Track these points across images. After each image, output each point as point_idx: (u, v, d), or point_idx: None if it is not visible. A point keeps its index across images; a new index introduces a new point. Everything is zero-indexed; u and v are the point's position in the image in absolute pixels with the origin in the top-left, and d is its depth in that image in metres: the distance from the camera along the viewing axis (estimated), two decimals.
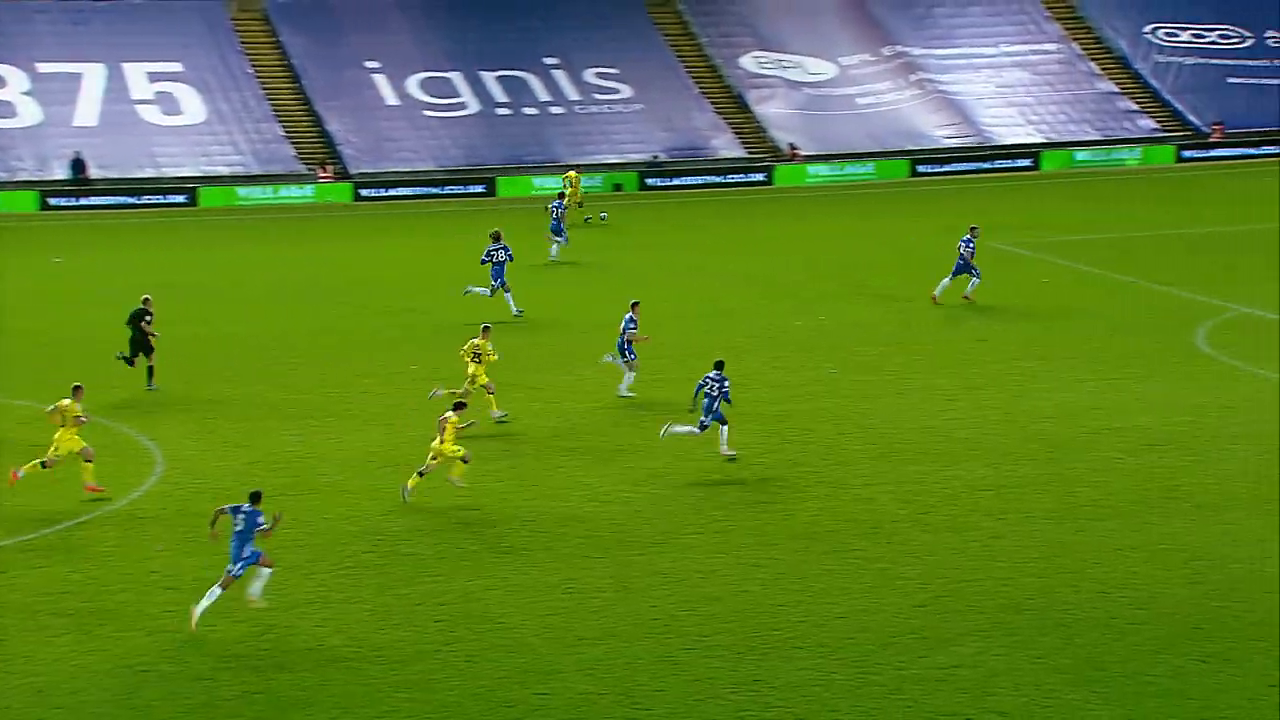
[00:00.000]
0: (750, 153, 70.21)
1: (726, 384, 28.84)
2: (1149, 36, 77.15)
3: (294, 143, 68.07)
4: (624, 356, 33.15)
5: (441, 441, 27.03)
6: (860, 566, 24.22)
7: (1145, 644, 21.20)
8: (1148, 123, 73.36)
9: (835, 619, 22.32)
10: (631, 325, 32.93)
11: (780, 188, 67.40)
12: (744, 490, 27.86)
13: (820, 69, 75.10)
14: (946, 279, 41.73)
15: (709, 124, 71.21)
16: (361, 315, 42.69)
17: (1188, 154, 70.91)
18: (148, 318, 34.43)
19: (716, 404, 28.81)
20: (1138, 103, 74.40)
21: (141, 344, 34.42)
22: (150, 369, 34.53)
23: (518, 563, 24.55)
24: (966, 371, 35.43)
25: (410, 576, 24.02)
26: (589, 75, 72.78)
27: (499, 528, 26.14)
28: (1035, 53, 76.99)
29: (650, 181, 67.69)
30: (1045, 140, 72.04)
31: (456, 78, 71.78)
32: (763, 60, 75.02)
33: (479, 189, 66.58)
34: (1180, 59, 76.25)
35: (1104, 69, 76.20)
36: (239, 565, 22.21)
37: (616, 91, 72.25)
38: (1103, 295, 43.16)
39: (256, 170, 66.50)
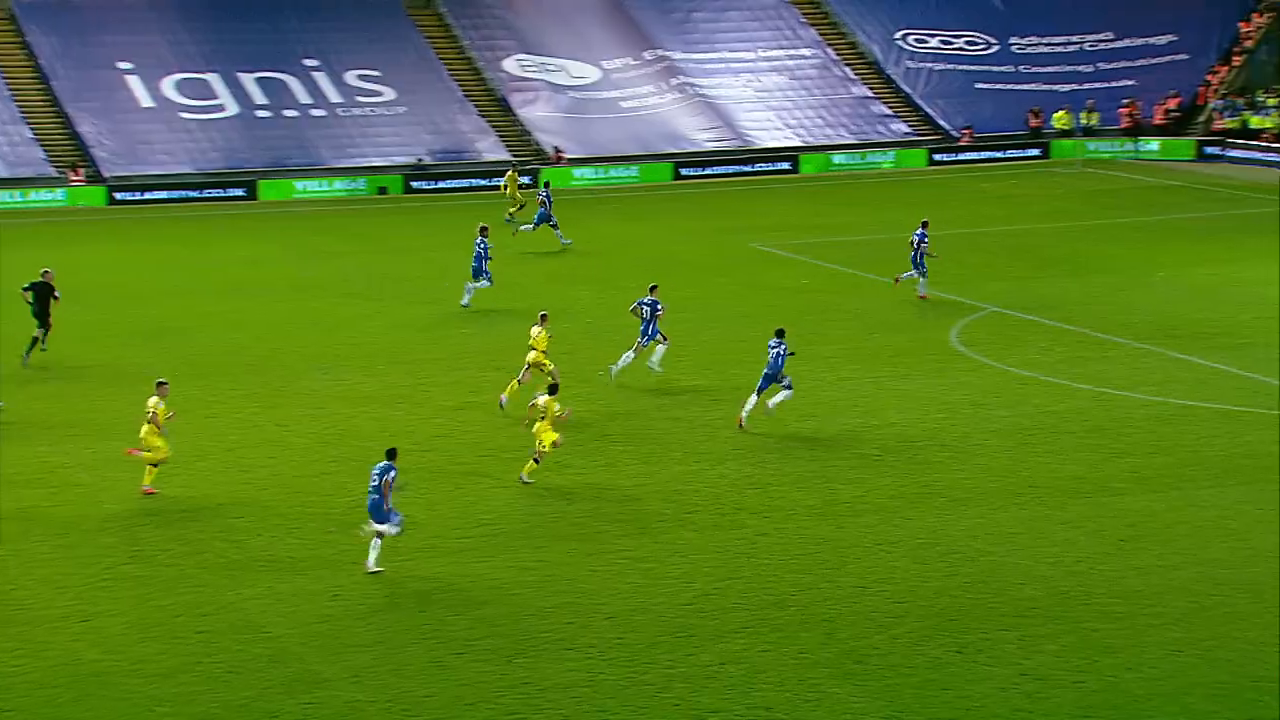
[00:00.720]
0: (515, 156, 70.13)
1: (660, 306, 34.25)
2: (900, 42, 78.99)
3: (44, 146, 65.98)
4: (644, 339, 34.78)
5: (538, 425, 27.70)
6: (628, 566, 24.36)
7: (904, 636, 21.71)
8: (901, 127, 75.10)
9: (604, 620, 22.41)
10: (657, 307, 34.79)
11: None
12: (512, 494, 27.83)
13: (583, 72, 75.35)
14: (911, 271, 42.11)
15: (473, 127, 70.95)
16: (108, 321, 41.56)
17: (939, 157, 72.79)
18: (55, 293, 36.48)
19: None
20: (891, 107, 76.11)
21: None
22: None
23: (282, 571, 24.16)
24: (730, 371, 35.86)
25: (170, 587, 23.47)
26: (350, 77, 71.94)
27: (263, 537, 25.69)
28: (792, 58, 78.26)
29: (415, 185, 67.18)
30: (803, 144, 73.26)
31: (214, 79, 70.31)
32: (525, 63, 75.01)
33: (239, 192, 65.31)
34: (930, 65, 78.23)
35: (859, 74, 77.79)
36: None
37: (378, 94, 71.55)
38: (861, 295, 44.07)
39: (4, 174, 64.31)
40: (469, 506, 27.07)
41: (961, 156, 73.00)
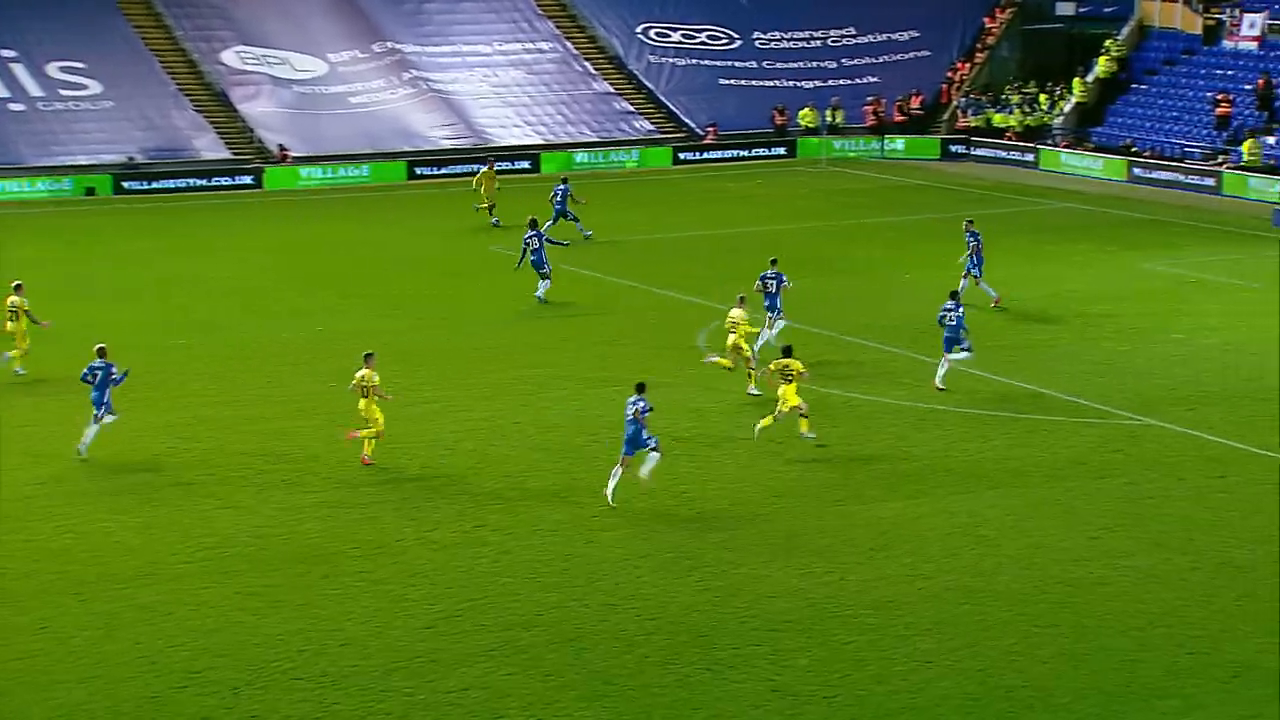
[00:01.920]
0: (236, 154, 68.86)
1: (785, 280, 37.33)
2: (641, 37, 79.74)
3: None
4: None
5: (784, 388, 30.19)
6: (364, 589, 24.11)
7: (654, 655, 21.88)
8: (644, 124, 75.83)
9: (339, 646, 22.14)
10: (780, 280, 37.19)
11: (271, 191, 66.38)
12: (237, 514, 27.32)
13: (308, 65, 74.37)
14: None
15: (190, 123, 69.43)
16: None
17: (684, 156, 73.65)
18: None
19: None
20: (634, 104, 76.78)
21: None
22: None
23: None
24: (472, 381, 35.78)
25: None
26: (52, 69, 69.81)
27: None
28: (530, 52, 78.42)
29: (127, 185, 65.50)
30: (544, 142, 73.47)
31: None
32: (246, 56, 73.72)
33: None
34: (673, 60, 79.14)
35: (599, 69, 78.30)
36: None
37: (84, 87, 69.57)
38: (606, 300, 44.33)
39: None
40: (188, 529, 26.49)
41: (707, 155, 73.99)
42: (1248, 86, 66.89)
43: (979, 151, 72.52)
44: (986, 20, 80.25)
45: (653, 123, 76.02)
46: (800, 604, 23.48)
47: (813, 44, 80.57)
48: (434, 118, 73.33)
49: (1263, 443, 30.64)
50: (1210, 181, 62.53)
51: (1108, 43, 73.86)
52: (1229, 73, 68.83)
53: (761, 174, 69.62)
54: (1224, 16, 71.52)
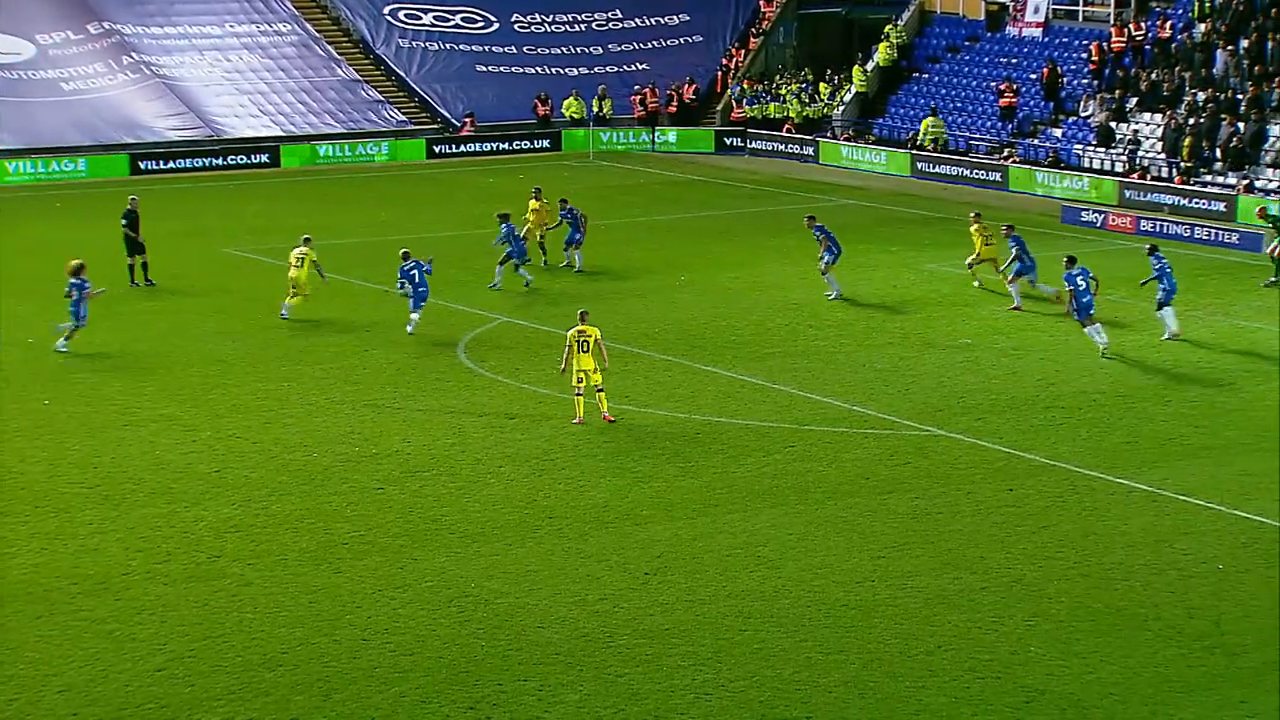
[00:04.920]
0: None
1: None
2: (390, 19, 79.37)
3: None
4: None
5: None
6: (85, 629, 23.63)
7: (411, 694, 21.79)
8: (396, 114, 75.46)
9: (55, 694, 21.67)
10: None
11: None
12: None
13: (14, 48, 72.60)
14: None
15: None
16: None
17: (440, 148, 73.43)
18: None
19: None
20: (383, 92, 76.39)
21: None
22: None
23: None
24: (208, 398, 35.27)
25: None
26: None
27: None
28: (267, 34, 77.58)
29: None
30: (284, 133, 72.71)
31: None
32: None
33: None
34: (425, 44, 78.90)
35: (345, 54, 77.77)
36: None
37: None
38: (355, 306, 43.99)
39: None
40: None
41: (465, 148, 73.88)
42: (1033, 75, 68.89)
43: (756, 144, 73.59)
44: (762, 4, 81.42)
45: (405, 113, 75.71)
46: (570, 634, 23.57)
47: (577, 28, 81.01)
48: (159, 107, 72.11)
49: (1052, 453, 31.57)
50: (997, 176, 64.25)
51: (888, 29, 75.51)
52: (1014, 60, 70.83)
53: (524, 168, 69.71)
54: (1008, 2, 73.61)
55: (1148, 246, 41.58)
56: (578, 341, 33.12)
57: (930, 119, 69.27)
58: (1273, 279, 46.12)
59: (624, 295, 45.67)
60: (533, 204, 49.41)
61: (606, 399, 33.41)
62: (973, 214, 47.51)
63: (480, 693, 21.86)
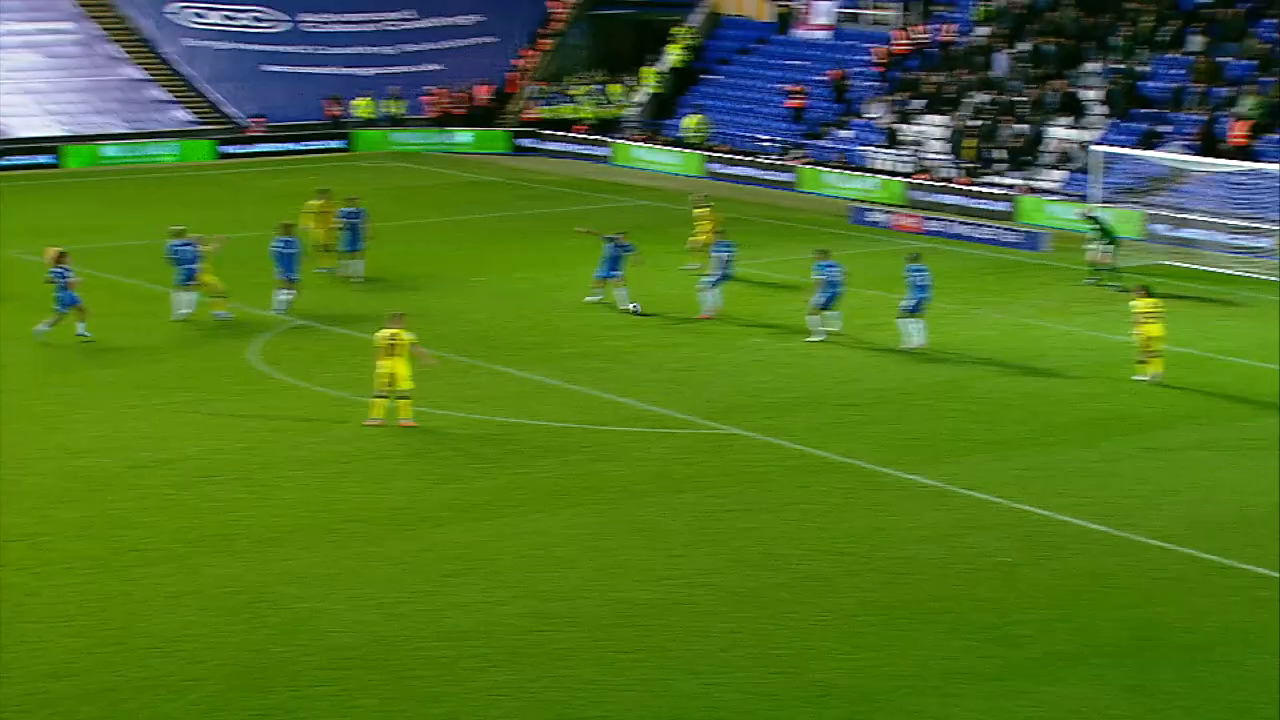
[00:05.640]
0: None
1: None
2: (175, 18, 78.23)
3: None
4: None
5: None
6: None
7: (203, 702, 21.52)
8: (183, 114, 74.37)
9: None
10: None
11: None
12: None
13: None
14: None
15: None
16: None
17: (228, 149, 72.51)
18: None
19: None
20: (171, 92, 75.25)
21: None
22: None
23: None
24: None
25: None
26: None
27: None
28: (47, 32, 76.03)
29: None
30: (67, 133, 71.33)
31: None
32: None
33: None
34: (212, 43, 77.90)
35: (130, 53, 76.48)
36: None
37: None
38: (143, 309, 43.29)
39: None
40: None
41: (255, 149, 73.03)
42: (821, 77, 69.82)
43: (550, 145, 73.69)
44: (553, 5, 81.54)
45: (193, 113, 74.63)
46: (367, 638, 23.45)
47: (368, 28, 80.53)
48: None
49: (844, 450, 32.06)
50: (787, 177, 65.02)
51: (679, 30, 76.03)
52: (803, 63, 71.74)
53: (317, 170, 69.09)
54: (796, 4, 74.55)
55: (910, 255, 41.21)
56: (386, 344, 32.85)
57: (696, 118, 70.09)
58: (1091, 279, 46.84)
59: (419, 297, 45.46)
60: (315, 204, 48.50)
61: (409, 406, 33.14)
62: (698, 196, 48.57)
63: (275, 699, 21.65)
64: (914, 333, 39.29)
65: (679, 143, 70.40)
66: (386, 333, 32.99)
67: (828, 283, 40.16)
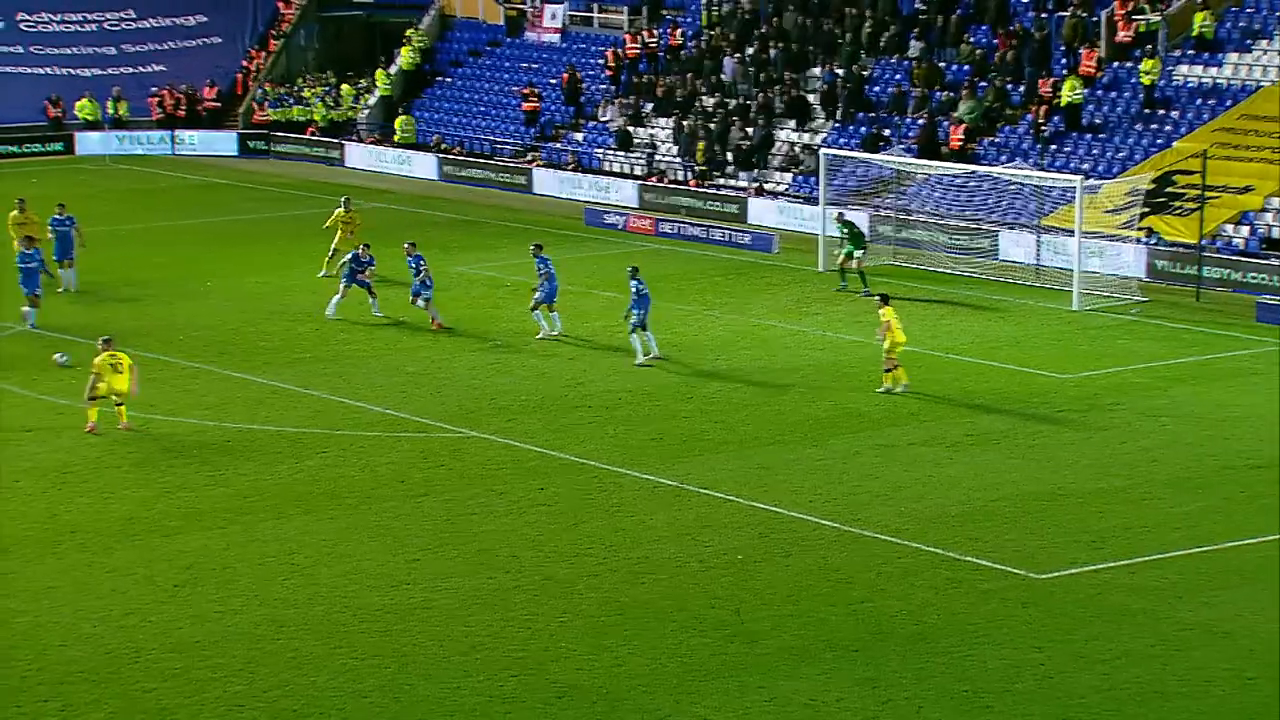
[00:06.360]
0: None
1: None
2: None
3: None
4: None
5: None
6: None
7: None
8: None
9: None
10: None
11: None
12: None
13: None
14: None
15: None
16: None
17: None
18: None
19: None
20: None
21: None
22: None
23: None
24: None
25: None
26: None
27: None
28: None
29: None
30: None
31: None
32: None
33: None
34: None
35: None
36: None
37: None
38: None
39: None
40: None
41: None
42: (554, 80, 70.02)
43: (281, 147, 72.74)
44: (281, 5, 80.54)
45: None
46: (95, 651, 22.94)
47: (88, 28, 78.63)
48: None
49: (581, 451, 32.21)
50: (522, 180, 65.07)
51: (409, 32, 75.67)
52: (535, 65, 71.87)
53: (37, 173, 67.33)
54: (526, 8, 74.65)
55: (630, 268, 39.97)
56: (109, 365, 32.03)
57: (402, 118, 70.14)
58: (842, 285, 47.09)
59: (147, 301, 44.61)
60: (14, 214, 46.79)
61: (126, 410, 32.54)
62: (344, 199, 49.07)
63: None
64: (649, 345, 38.82)
65: (414, 145, 70.01)
66: (105, 356, 32.20)
67: (547, 276, 40.65)
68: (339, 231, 47.82)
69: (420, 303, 41.93)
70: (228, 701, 21.61)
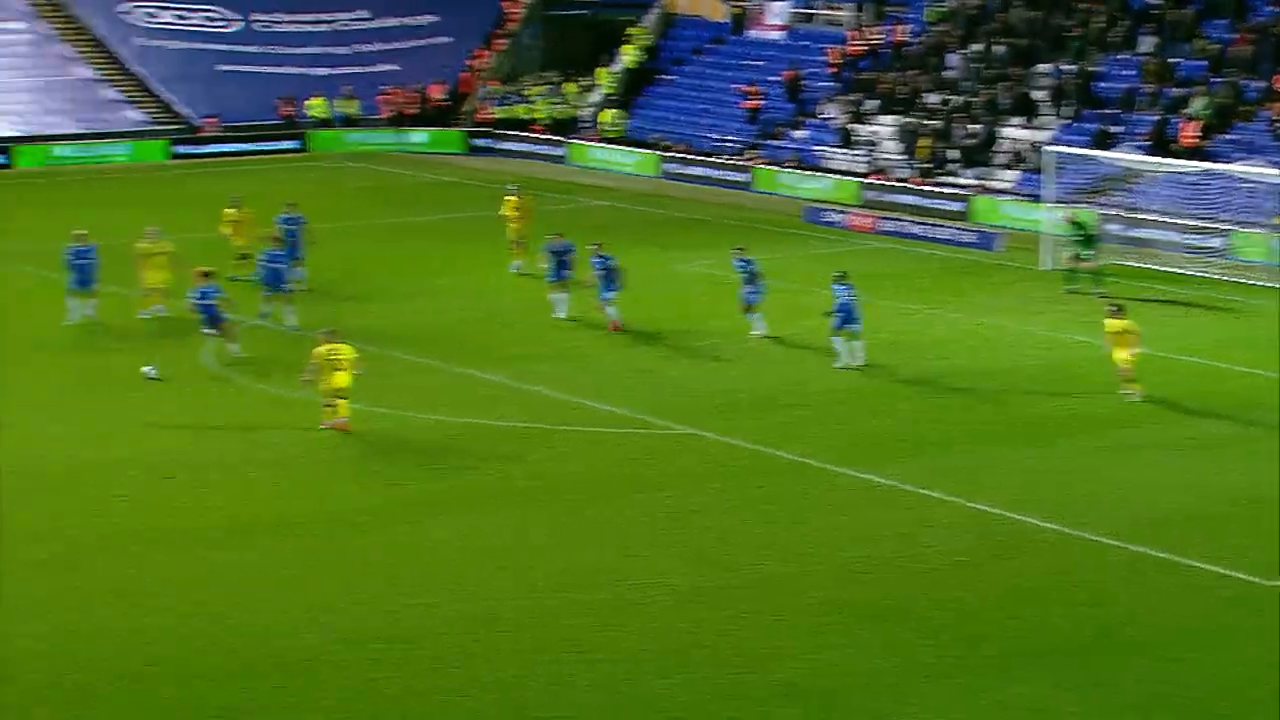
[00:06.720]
0: None
1: None
2: (127, 17, 77.79)
3: None
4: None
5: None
6: None
7: (153, 706, 21.38)
8: (135, 114, 73.97)
9: None
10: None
11: None
12: None
13: None
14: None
15: None
16: None
17: (181, 150, 72.15)
18: None
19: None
20: (123, 92, 74.83)
21: None
22: None
23: None
24: None
25: None
26: None
27: None
28: None
29: None
30: (19, 134, 70.87)
31: None
32: None
33: None
34: (165, 43, 77.50)
35: (82, 53, 76.02)
36: None
37: None
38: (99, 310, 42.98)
39: None
40: None
41: (208, 149, 72.71)
42: (776, 78, 69.87)
43: (506, 145, 73.52)
44: (507, 5, 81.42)
45: (145, 113, 74.25)
46: (320, 640, 23.32)
47: (322, 28, 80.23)
48: None
49: (801, 451, 32.06)
50: (743, 177, 65.05)
51: (632, 30, 76.00)
52: (758, 63, 71.77)
53: (271, 169, 68.83)
54: (749, 5, 74.58)
55: (836, 274, 38.63)
56: (329, 360, 32.51)
57: (611, 112, 70.66)
58: (1074, 286, 46.17)
59: (374, 298, 45.33)
60: (231, 212, 47.51)
61: (348, 405, 32.82)
62: (513, 185, 49.30)
63: (226, 702, 21.51)
64: (852, 351, 37.96)
65: (636, 143, 70.35)
66: (325, 348, 32.58)
67: (750, 277, 40.58)
68: (513, 222, 48.06)
69: (604, 304, 41.28)
70: (448, 692, 21.86)
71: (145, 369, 36.26)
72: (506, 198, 48.90)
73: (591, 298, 41.69)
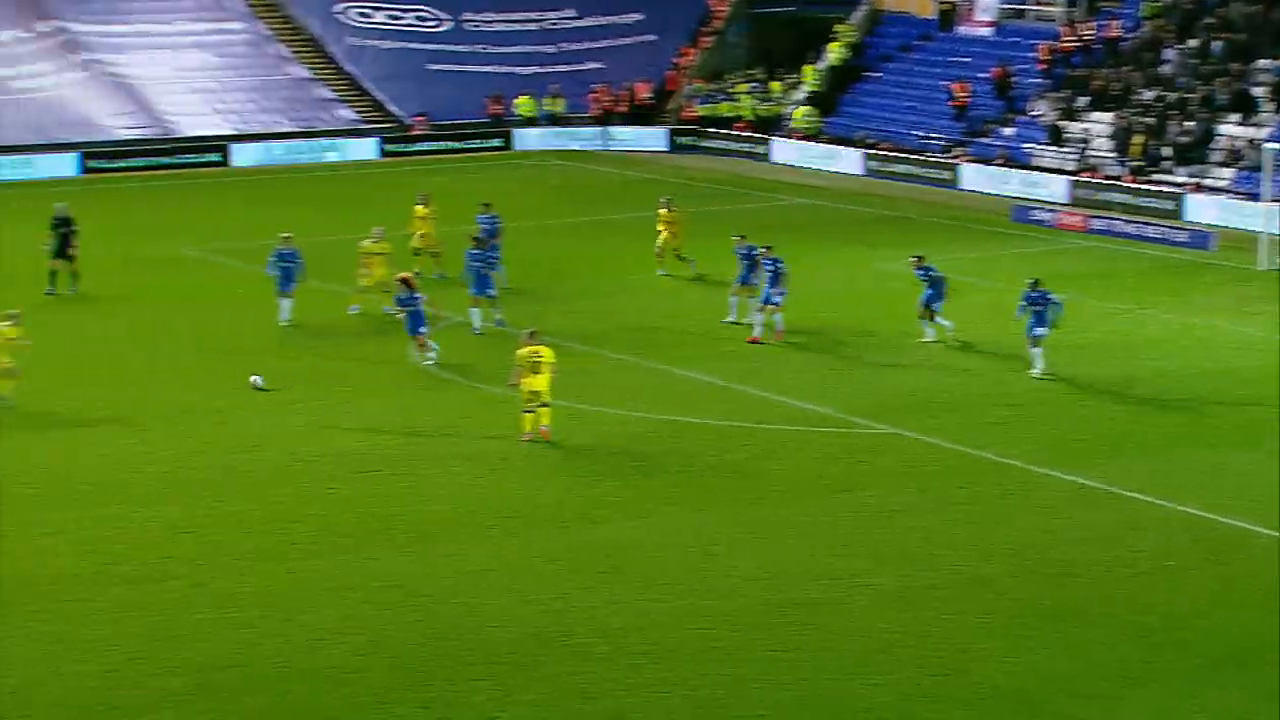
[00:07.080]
0: None
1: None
2: (341, 17, 79.13)
3: None
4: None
5: None
6: (37, 630, 23.50)
7: (363, 695, 21.74)
8: (347, 113, 75.24)
9: (7, 694, 21.58)
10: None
11: None
12: None
13: None
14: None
15: None
16: None
17: (392, 148, 73.24)
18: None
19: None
20: (336, 90, 76.15)
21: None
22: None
23: None
24: (155, 400, 35.09)
25: None
26: None
27: None
28: (218, 32, 77.24)
29: None
30: (235, 132, 72.41)
31: None
32: None
33: None
34: (377, 43, 78.73)
35: (296, 53, 77.49)
36: None
37: None
38: (308, 306, 43.73)
39: None
40: None
41: (417, 147, 73.72)
42: (984, 74, 69.09)
43: (709, 143, 73.59)
44: (712, 3, 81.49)
45: (356, 112, 75.50)
46: (524, 634, 23.55)
47: (530, 27, 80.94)
48: (110, 105, 71.75)
49: (1004, 451, 31.68)
50: (949, 175, 64.44)
51: (839, 28, 75.65)
52: (966, 60, 71.03)
53: (479, 167, 69.62)
54: (958, 1, 73.86)
55: (1029, 281, 37.58)
56: (530, 362, 32.63)
57: (803, 109, 70.73)
58: None
59: (577, 296, 45.61)
60: (420, 209, 47.96)
61: (549, 413, 32.59)
62: (665, 199, 48.45)
63: (433, 692, 21.82)
64: (1038, 358, 36.97)
65: (840, 141, 70.02)
66: (527, 350, 32.53)
67: (931, 282, 39.71)
68: (664, 231, 47.82)
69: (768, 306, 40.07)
70: (650, 688, 21.92)
71: (253, 378, 36.01)
72: (659, 210, 48.57)
73: (755, 300, 40.88)
